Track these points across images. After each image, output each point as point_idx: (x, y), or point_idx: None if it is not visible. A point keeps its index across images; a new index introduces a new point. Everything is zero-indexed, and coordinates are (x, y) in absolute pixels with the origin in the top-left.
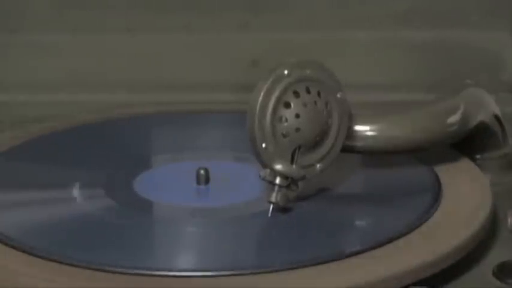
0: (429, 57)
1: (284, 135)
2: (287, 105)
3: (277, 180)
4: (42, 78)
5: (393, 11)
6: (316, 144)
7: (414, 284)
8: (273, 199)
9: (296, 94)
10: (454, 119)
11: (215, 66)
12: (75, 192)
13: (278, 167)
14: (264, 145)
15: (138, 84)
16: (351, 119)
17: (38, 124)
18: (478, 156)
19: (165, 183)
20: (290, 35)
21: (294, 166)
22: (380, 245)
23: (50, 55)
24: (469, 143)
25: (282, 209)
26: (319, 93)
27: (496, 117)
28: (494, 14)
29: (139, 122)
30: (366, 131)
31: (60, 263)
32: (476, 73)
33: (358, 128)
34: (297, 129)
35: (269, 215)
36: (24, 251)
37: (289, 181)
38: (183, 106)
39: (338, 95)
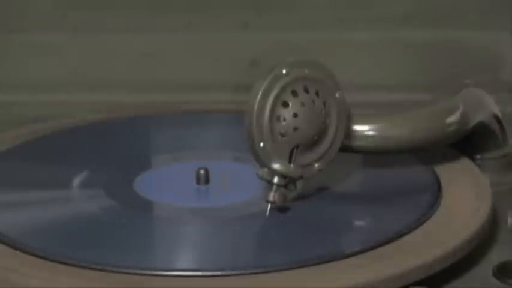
0: (429, 57)
1: (282, 135)
2: (285, 104)
3: (275, 180)
4: (42, 78)
5: (393, 11)
6: (314, 143)
7: (414, 284)
8: (270, 198)
9: (294, 93)
10: (453, 119)
11: (215, 66)
12: (75, 192)
13: (276, 166)
14: (261, 144)
15: (138, 84)
16: (349, 119)
17: (38, 124)
18: (478, 156)
19: (165, 183)
20: (290, 35)
21: (291, 165)
22: (380, 244)
23: (50, 55)
24: (469, 143)
25: (281, 209)
26: (317, 93)
27: (496, 117)
28: (494, 13)
29: (139, 122)
30: (365, 130)
31: (60, 263)
32: (476, 73)
33: (357, 127)
34: (295, 129)
35: (267, 214)
36: (24, 251)
37: (287, 180)
38: (183, 106)
39: (336, 95)
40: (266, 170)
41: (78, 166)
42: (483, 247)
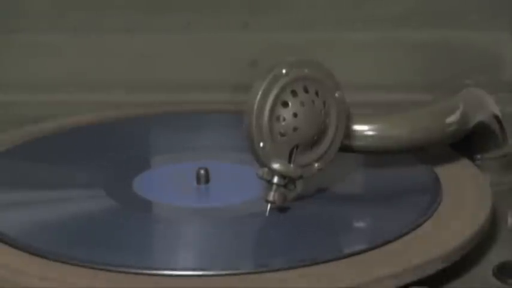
0: (429, 57)
1: (282, 134)
2: (285, 104)
3: (275, 180)
4: (42, 78)
5: (393, 11)
6: (314, 143)
7: (414, 284)
8: (270, 198)
9: (294, 93)
10: (453, 118)
11: (215, 66)
12: (75, 192)
13: (275, 166)
14: (261, 144)
15: (137, 84)
16: (349, 119)
17: (38, 124)
18: (478, 156)
19: (165, 183)
20: (289, 35)
21: (291, 165)
22: (380, 244)
23: (50, 55)
24: (469, 143)
25: (280, 209)
26: (317, 93)
27: (496, 117)
28: (494, 14)
29: (139, 122)
30: (365, 130)
31: (60, 262)
32: (476, 73)
33: (356, 127)
34: (295, 129)
35: (266, 214)
36: (24, 251)
37: (287, 180)
38: (182, 106)
39: (336, 94)
40: (266, 169)
41: (78, 166)
42: (483, 247)
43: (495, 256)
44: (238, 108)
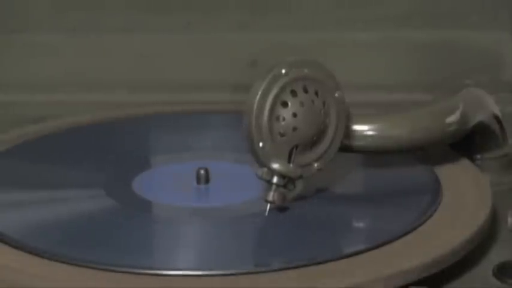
0: (429, 57)
1: (281, 134)
2: (284, 104)
3: (274, 179)
4: (42, 78)
5: (393, 11)
6: (313, 143)
7: (414, 284)
8: (269, 198)
9: (293, 93)
10: (452, 118)
11: (215, 66)
12: (75, 192)
13: (275, 166)
14: (261, 144)
15: (137, 84)
16: (348, 119)
17: (38, 124)
18: (478, 156)
19: (165, 183)
20: (290, 35)
21: (291, 165)
22: (380, 245)
23: (50, 55)
24: (469, 143)
25: (280, 209)
26: (316, 93)
27: (496, 117)
28: (494, 14)
29: (139, 122)
30: (364, 130)
31: (60, 262)
32: (476, 73)
33: (356, 127)
34: (294, 128)
35: (266, 214)
36: (24, 251)
37: (286, 180)
38: (183, 106)
39: (336, 94)
40: (265, 169)
41: (78, 166)
42: (483, 247)
43: (495, 256)
44: (238, 108)
